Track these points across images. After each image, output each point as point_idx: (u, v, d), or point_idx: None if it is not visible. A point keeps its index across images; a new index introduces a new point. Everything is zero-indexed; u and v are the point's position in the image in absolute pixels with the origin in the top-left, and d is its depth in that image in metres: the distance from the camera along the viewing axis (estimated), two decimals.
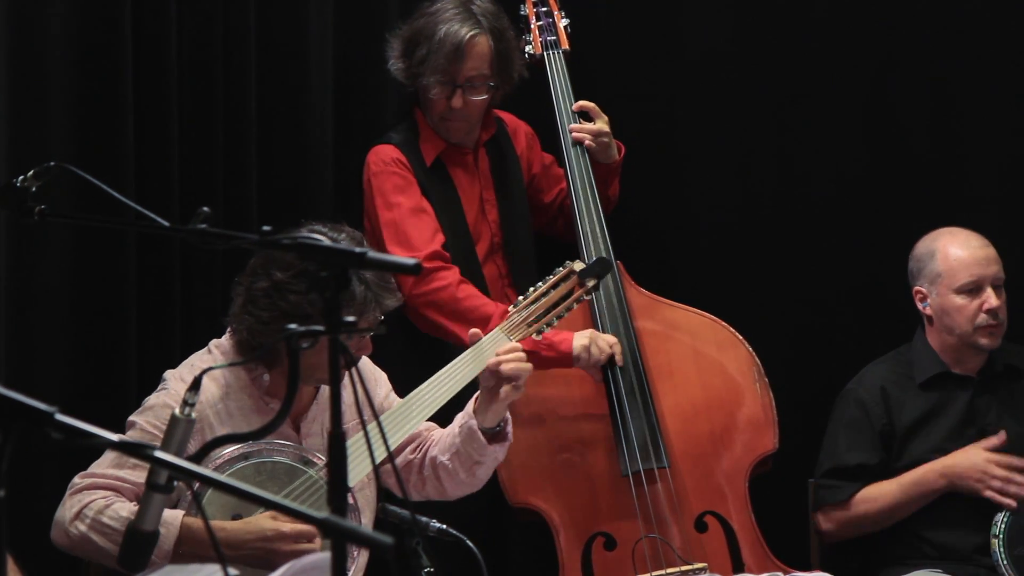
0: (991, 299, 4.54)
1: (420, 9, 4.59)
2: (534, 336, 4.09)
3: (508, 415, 3.99)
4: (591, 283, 4.14)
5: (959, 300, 4.56)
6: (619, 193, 4.80)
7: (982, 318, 4.55)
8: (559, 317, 4.11)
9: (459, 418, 3.99)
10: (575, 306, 4.15)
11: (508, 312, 4.10)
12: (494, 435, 3.97)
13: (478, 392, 3.97)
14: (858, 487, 4.58)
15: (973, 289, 4.55)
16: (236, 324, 3.81)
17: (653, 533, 4.37)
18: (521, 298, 4.10)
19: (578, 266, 4.14)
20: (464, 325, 4.37)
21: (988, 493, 4.48)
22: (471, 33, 4.50)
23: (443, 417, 4.02)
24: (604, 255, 4.52)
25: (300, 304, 3.68)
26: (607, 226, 4.57)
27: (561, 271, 4.13)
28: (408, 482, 3.96)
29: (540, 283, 4.12)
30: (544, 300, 4.08)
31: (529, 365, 3.93)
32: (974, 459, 4.51)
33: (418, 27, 4.54)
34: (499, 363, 3.91)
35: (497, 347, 3.96)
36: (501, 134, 4.73)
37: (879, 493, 4.58)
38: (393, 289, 3.79)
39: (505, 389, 3.91)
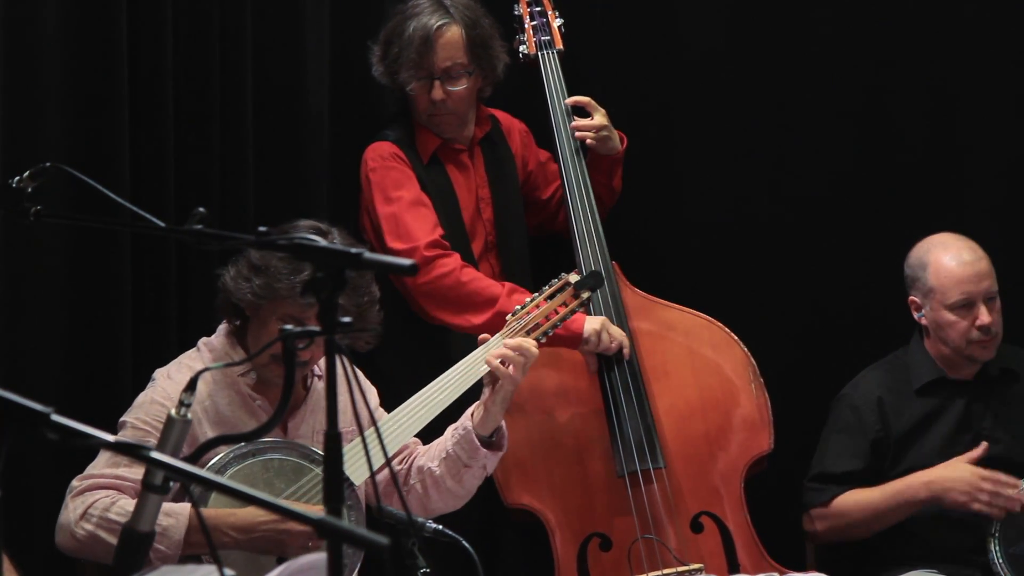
0: (983, 316, 4.53)
1: (395, 10, 4.60)
2: None
3: (504, 427, 4.01)
4: (585, 295, 4.20)
5: (951, 316, 4.55)
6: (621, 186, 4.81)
7: (974, 334, 4.54)
8: (555, 327, 4.17)
9: (451, 427, 4.01)
10: (570, 317, 4.19)
11: (507, 320, 4.13)
12: (488, 443, 3.98)
13: (477, 403, 3.98)
14: (842, 491, 4.58)
15: (965, 305, 4.54)
16: (219, 281, 3.87)
17: (649, 534, 4.37)
18: (519, 307, 4.14)
19: (573, 278, 4.23)
20: (471, 310, 4.40)
21: (976, 506, 4.47)
22: (440, 23, 4.51)
23: (435, 431, 4.04)
24: (600, 257, 4.53)
25: (261, 256, 3.74)
26: (603, 227, 4.57)
27: (556, 283, 4.20)
28: (392, 494, 3.96)
29: (537, 294, 4.18)
30: (540, 310, 4.13)
31: (522, 357, 3.96)
32: (961, 473, 4.49)
33: (391, 27, 4.57)
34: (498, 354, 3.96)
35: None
36: (495, 132, 4.73)
37: (862, 499, 4.57)
38: (362, 293, 3.79)
39: (501, 374, 3.93)
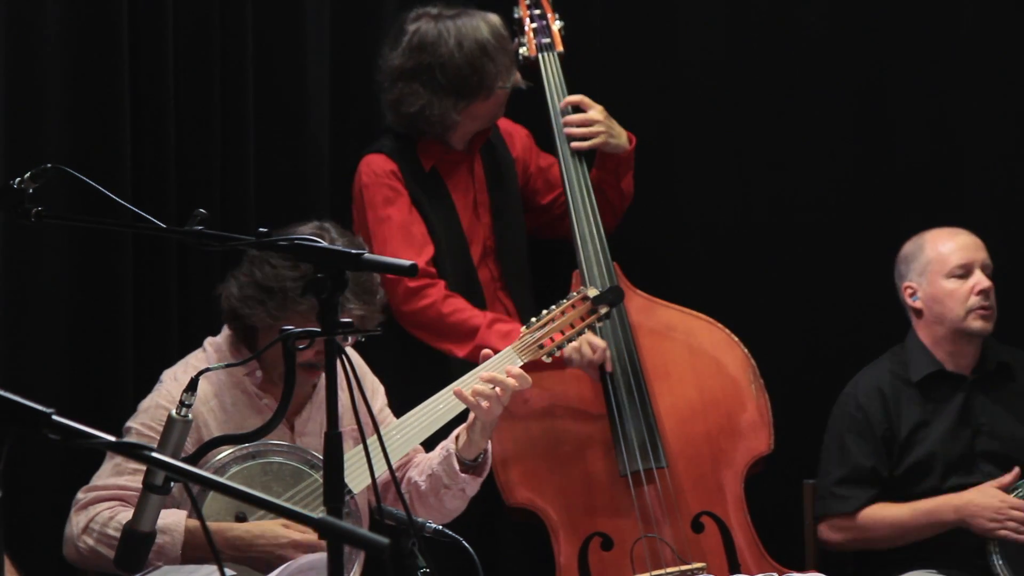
0: (982, 281, 4.54)
1: (412, 60, 4.46)
2: (544, 358, 4.10)
3: (489, 452, 3.99)
4: (603, 310, 4.19)
5: (950, 285, 4.56)
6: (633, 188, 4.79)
7: (974, 300, 4.54)
8: (569, 341, 4.15)
9: (441, 445, 4.00)
10: (586, 332, 4.19)
11: (521, 332, 4.10)
12: (471, 467, 3.96)
13: (462, 425, 3.97)
14: (869, 495, 4.56)
15: (963, 273, 4.55)
16: (221, 291, 3.86)
17: (650, 533, 4.37)
18: (534, 319, 4.12)
19: (592, 292, 4.20)
20: (453, 341, 4.40)
21: (1003, 533, 4.47)
22: (490, 17, 4.50)
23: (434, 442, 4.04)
24: (601, 259, 4.52)
25: (270, 275, 3.72)
26: (604, 229, 4.57)
27: (575, 296, 4.17)
28: (385, 500, 3.96)
29: (553, 306, 4.15)
30: (556, 324, 4.11)
31: (501, 395, 3.89)
32: (990, 501, 4.47)
33: (457, 65, 4.43)
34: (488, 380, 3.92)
35: (506, 366, 3.97)
36: (496, 137, 4.72)
37: (889, 516, 4.54)
38: (366, 300, 3.78)
39: (480, 407, 3.89)
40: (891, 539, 4.57)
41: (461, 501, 3.99)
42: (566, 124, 4.62)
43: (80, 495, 3.74)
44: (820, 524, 4.64)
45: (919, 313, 4.63)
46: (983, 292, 4.54)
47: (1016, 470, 4.50)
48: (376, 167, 4.51)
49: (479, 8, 4.58)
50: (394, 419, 4.05)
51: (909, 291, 4.63)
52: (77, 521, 3.71)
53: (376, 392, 4.06)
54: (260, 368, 3.88)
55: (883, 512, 4.56)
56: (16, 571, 3.50)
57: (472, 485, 3.97)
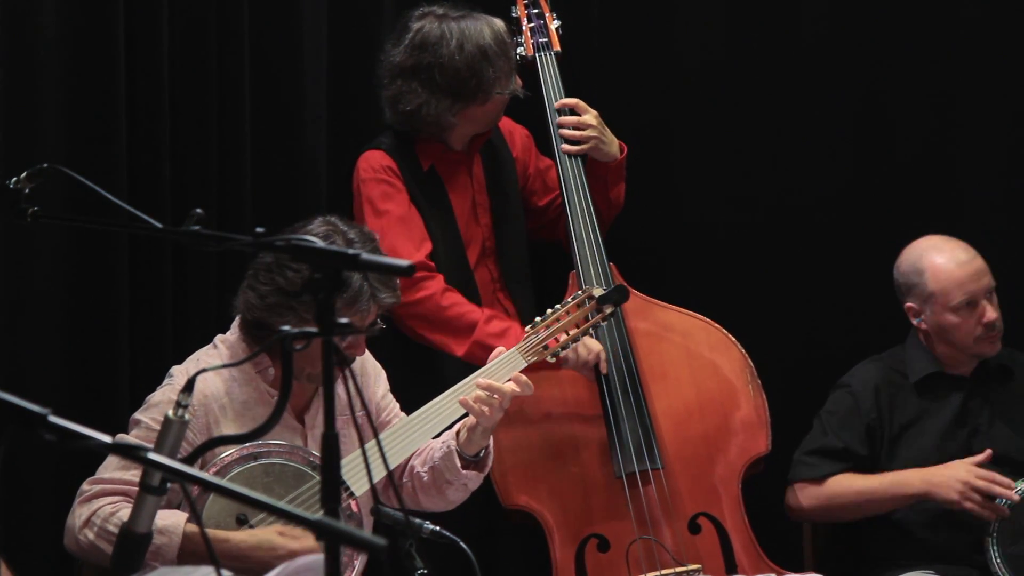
0: (988, 312, 4.53)
1: (413, 59, 4.45)
2: (548, 359, 4.09)
3: (491, 446, 4.00)
4: (608, 310, 4.19)
5: (955, 318, 4.54)
6: (624, 197, 4.77)
7: (981, 331, 4.54)
8: (575, 341, 4.15)
9: (445, 435, 4.00)
10: (592, 332, 4.18)
11: (525, 332, 4.11)
12: (473, 462, 3.97)
13: (463, 421, 3.97)
14: (837, 468, 4.57)
15: (968, 305, 4.53)
16: (239, 299, 3.83)
17: (647, 535, 4.37)
18: (539, 319, 4.13)
19: (597, 292, 4.20)
20: (450, 335, 4.39)
21: (968, 505, 4.46)
22: (493, 21, 4.49)
23: None
24: (597, 259, 4.52)
25: (295, 281, 3.70)
26: (600, 229, 4.56)
27: (580, 295, 4.18)
28: (387, 487, 3.96)
29: (558, 306, 4.15)
30: (560, 324, 4.10)
31: (501, 401, 3.91)
32: (957, 471, 4.49)
33: (456, 67, 4.42)
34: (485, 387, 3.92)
35: (511, 367, 3.98)
36: (496, 137, 4.71)
37: (856, 482, 4.55)
38: (393, 288, 3.80)
39: (483, 414, 3.91)
40: (856, 507, 4.56)
41: (463, 494, 4.02)
42: (560, 124, 4.62)
43: (85, 486, 3.73)
44: (788, 489, 4.63)
45: (925, 332, 4.62)
46: (990, 323, 4.53)
47: (988, 451, 4.49)
48: (374, 162, 4.51)
49: (478, 7, 4.57)
50: (397, 405, 4.05)
51: (912, 311, 4.62)
52: (80, 513, 3.70)
53: (379, 378, 4.06)
54: (272, 366, 3.86)
55: (851, 480, 4.56)
56: (11, 574, 3.49)
57: (475, 480, 4.00)
